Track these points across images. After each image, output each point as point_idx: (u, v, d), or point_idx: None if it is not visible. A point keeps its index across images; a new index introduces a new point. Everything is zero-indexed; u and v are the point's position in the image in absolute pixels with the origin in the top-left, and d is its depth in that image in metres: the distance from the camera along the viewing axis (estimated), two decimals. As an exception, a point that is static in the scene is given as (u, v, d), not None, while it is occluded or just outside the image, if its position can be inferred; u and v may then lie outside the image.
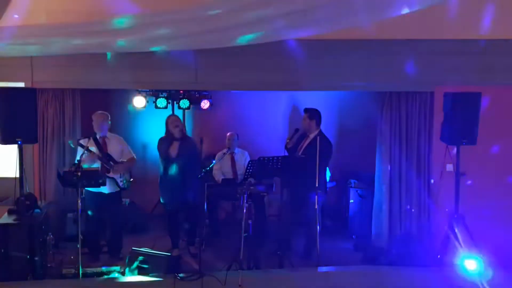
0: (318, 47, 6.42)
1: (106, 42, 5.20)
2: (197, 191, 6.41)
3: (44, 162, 6.76)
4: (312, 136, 6.30)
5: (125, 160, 6.23)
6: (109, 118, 6.25)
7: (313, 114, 6.36)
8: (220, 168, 7.32)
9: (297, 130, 6.38)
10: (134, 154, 6.41)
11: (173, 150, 6.13)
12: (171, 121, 6.27)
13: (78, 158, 5.86)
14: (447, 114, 5.62)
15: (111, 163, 6.04)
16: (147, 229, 7.49)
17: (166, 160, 6.19)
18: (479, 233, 5.49)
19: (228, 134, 7.45)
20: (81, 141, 5.92)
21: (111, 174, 6.01)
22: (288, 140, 6.30)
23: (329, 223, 7.74)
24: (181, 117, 7.54)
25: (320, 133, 6.30)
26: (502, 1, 5.02)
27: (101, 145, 6.06)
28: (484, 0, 5.06)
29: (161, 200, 6.44)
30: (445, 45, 6.37)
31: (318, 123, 6.36)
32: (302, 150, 6.27)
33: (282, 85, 6.79)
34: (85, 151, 5.68)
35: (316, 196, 5.79)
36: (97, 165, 5.90)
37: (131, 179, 6.32)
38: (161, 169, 6.31)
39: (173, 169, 6.19)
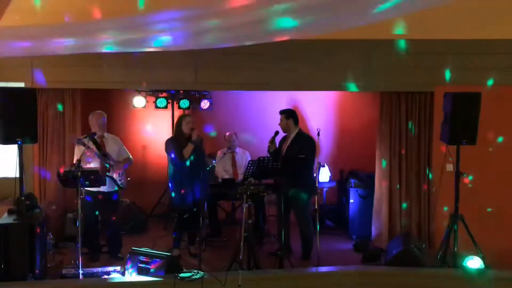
0: (318, 47, 6.42)
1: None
2: (206, 191, 6.37)
3: (44, 162, 6.76)
4: (292, 136, 6.32)
5: (122, 160, 6.24)
6: (105, 117, 6.25)
7: (289, 114, 6.39)
8: (222, 167, 7.33)
9: (277, 132, 6.38)
10: (130, 154, 6.40)
11: (187, 152, 6.06)
12: (187, 122, 6.15)
13: (77, 157, 5.89)
14: (447, 114, 5.62)
15: (111, 162, 6.04)
16: (147, 229, 7.49)
17: (180, 161, 6.09)
18: (479, 233, 5.50)
19: (227, 134, 7.46)
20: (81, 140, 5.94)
21: (110, 174, 6.01)
22: (269, 144, 6.29)
23: (329, 223, 7.76)
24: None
25: (301, 131, 6.31)
26: (502, 1, 5.02)
27: (100, 145, 6.07)
28: (484, 1, 5.07)
29: (173, 201, 6.35)
30: (445, 45, 6.37)
31: (296, 121, 6.37)
32: (284, 151, 6.27)
33: (282, 85, 6.79)
34: (86, 150, 5.70)
35: (316, 196, 5.80)
36: (94, 164, 5.91)
37: (128, 179, 6.32)
38: (171, 170, 6.21)
39: (186, 170, 6.10)
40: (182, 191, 6.12)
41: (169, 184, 6.33)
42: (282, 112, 6.45)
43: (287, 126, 6.36)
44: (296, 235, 6.51)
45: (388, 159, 6.69)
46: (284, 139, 6.45)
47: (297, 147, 6.10)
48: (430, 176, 6.55)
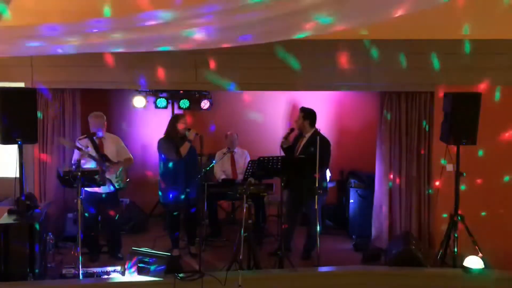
0: (318, 47, 6.42)
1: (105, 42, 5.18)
2: (199, 190, 6.43)
3: (44, 162, 6.76)
4: (308, 135, 6.31)
5: (122, 160, 6.23)
6: (105, 118, 6.25)
7: (308, 114, 6.36)
8: (221, 167, 7.33)
9: (292, 129, 6.37)
10: (130, 154, 6.40)
11: (184, 150, 6.10)
12: (183, 121, 6.23)
13: (75, 157, 5.90)
14: (447, 114, 5.62)
15: (107, 163, 6.04)
16: (147, 229, 7.49)
17: (173, 160, 6.12)
18: (479, 233, 5.50)
19: (227, 133, 7.46)
20: (80, 141, 5.95)
21: (106, 175, 6.01)
22: (283, 140, 6.29)
23: (329, 223, 7.76)
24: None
25: (316, 132, 6.29)
26: (501, 2, 5.02)
27: (97, 145, 6.07)
28: (484, 1, 5.07)
29: (161, 200, 6.40)
30: (446, 45, 6.37)
31: (313, 123, 6.35)
32: (299, 150, 6.27)
33: (282, 85, 6.79)
34: (84, 151, 5.70)
35: (316, 196, 5.79)
36: (92, 165, 5.92)
37: (128, 179, 6.32)
38: (164, 169, 6.24)
39: (181, 169, 6.16)
40: (173, 190, 6.17)
41: (160, 183, 6.33)
42: (302, 110, 6.43)
43: (302, 126, 6.36)
44: (297, 235, 6.52)
45: (388, 159, 6.69)
46: (299, 137, 6.43)
47: (313, 149, 6.05)
48: (430, 191, 6.57)
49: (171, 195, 6.21)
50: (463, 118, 5.46)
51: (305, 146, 6.26)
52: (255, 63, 6.56)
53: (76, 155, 6.00)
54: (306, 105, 6.62)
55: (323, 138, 6.14)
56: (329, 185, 7.73)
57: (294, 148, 6.37)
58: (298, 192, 6.18)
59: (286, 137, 6.30)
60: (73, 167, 5.39)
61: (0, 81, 6.25)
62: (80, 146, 5.86)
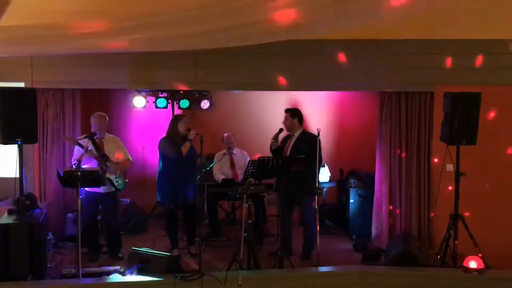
0: (318, 47, 6.42)
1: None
2: (197, 190, 6.44)
3: (44, 162, 6.76)
4: (296, 135, 6.33)
5: (121, 162, 6.24)
6: (107, 119, 6.25)
7: (295, 113, 6.40)
8: (220, 168, 7.33)
9: (281, 130, 6.38)
10: (130, 157, 6.40)
11: (185, 149, 6.13)
12: (184, 122, 6.25)
13: (75, 157, 5.89)
14: (447, 114, 5.62)
15: (108, 163, 6.04)
16: (147, 229, 7.49)
17: (173, 159, 6.15)
18: (479, 233, 5.50)
19: (225, 135, 7.45)
20: (80, 141, 5.95)
21: (107, 175, 6.01)
22: (273, 141, 6.29)
23: (329, 223, 7.76)
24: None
25: (305, 130, 6.33)
26: (501, 1, 5.02)
27: (99, 146, 6.07)
28: (484, 1, 5.07)
29: (159, 199, 6.40)
30: (445, 45, 6.37)
31: (301, 121, 6.38)
32: (289, 150, 6.28)
33: (282, 85, 6.79)
34: (85, 151, 5.71)
35: (316, 196, 5.79)
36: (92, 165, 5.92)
37: (126, 180, 6.32)
38: (163, 168, 6.27)
39: (180, 168, 6.18)
40: (170, 189, 6.20)
41: (158, 182, 6.34)
42: (287, 111, 6.45)
43: (291, 125, 6.36)
44: (297, 235, 6.51)
45: (388, 159, 6.69)
46: (287, 138, 6.44)
47: (304, 147, 6.09)
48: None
49: (168, 195, 6.22)
50: (463, 118, 5.46)
51: (295, 144, 6.27)
52: (255, 63, 6.56)
53: (76, 154, 6.00)
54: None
55: (312, 136, 6.15)
56: (329, 185, 7.76)
57: (283, 148, 6.37)
58: (289, 191, 6.17)
59: (275, 138, 6.30)
60: (74, 166, 5.39)
61: (0, 81, 6.26)
62: (83, 144, 5.87)
